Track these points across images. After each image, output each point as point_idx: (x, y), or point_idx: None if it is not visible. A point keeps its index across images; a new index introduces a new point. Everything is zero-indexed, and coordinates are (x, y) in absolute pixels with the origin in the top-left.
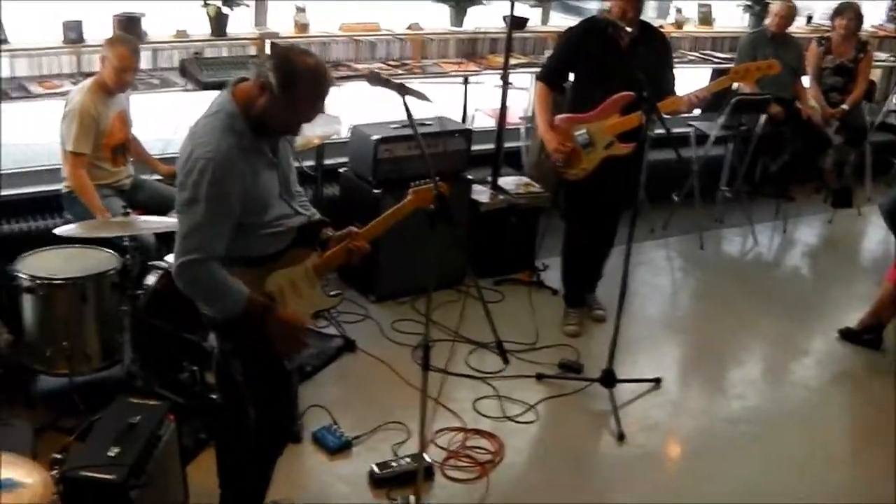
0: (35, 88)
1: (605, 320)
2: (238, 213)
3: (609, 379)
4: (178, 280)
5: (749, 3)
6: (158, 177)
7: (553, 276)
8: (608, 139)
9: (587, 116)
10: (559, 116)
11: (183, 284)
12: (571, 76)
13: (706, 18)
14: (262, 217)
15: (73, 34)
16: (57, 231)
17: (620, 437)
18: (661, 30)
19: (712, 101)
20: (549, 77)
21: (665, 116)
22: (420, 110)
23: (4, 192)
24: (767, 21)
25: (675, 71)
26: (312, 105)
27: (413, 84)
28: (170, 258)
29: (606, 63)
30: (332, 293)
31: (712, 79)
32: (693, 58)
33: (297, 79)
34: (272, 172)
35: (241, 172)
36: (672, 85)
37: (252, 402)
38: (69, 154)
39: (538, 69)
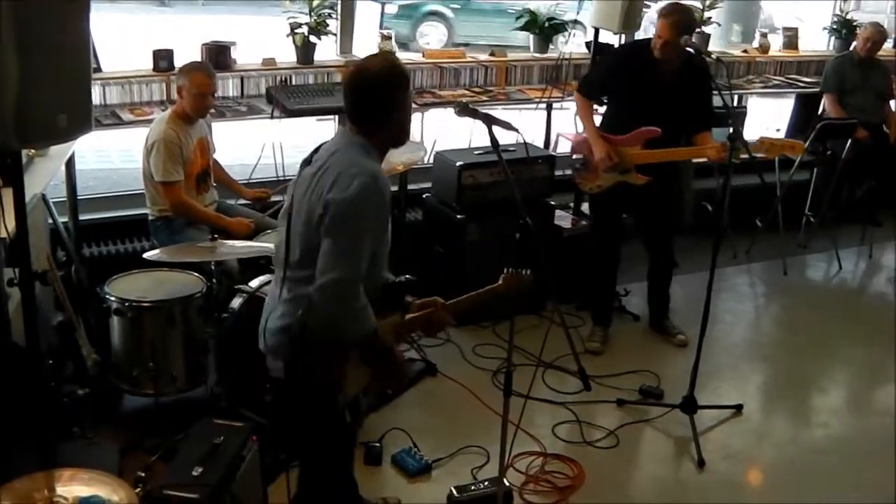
0: (126, 115)
1: (687, 345)
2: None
3: (690, 405)
4: (328, 295)
5: (836, 26)
6: (243, 201)
7: (635, 301)
8: (626, 166)
9: (613, 139)
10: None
11: (330, 301)
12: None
13: (791, 43)
14: (383, 248)
15: (165, 63)
16: (145, 256)
17: (701, 463)
18: (745, 55)
19: (798, 125)
20: (587, 91)
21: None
22: (503, 136)
23: (95, 216)
24: (855, 45)
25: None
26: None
27: (497, 110)
28: (254, 282)
29: (642, 92)
30: None
31: (797, 103)
32: (778, 82)
33: (399, 76)
34: None
35: (388, 194)
36: (705, 121)
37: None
38: (162, 185)
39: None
